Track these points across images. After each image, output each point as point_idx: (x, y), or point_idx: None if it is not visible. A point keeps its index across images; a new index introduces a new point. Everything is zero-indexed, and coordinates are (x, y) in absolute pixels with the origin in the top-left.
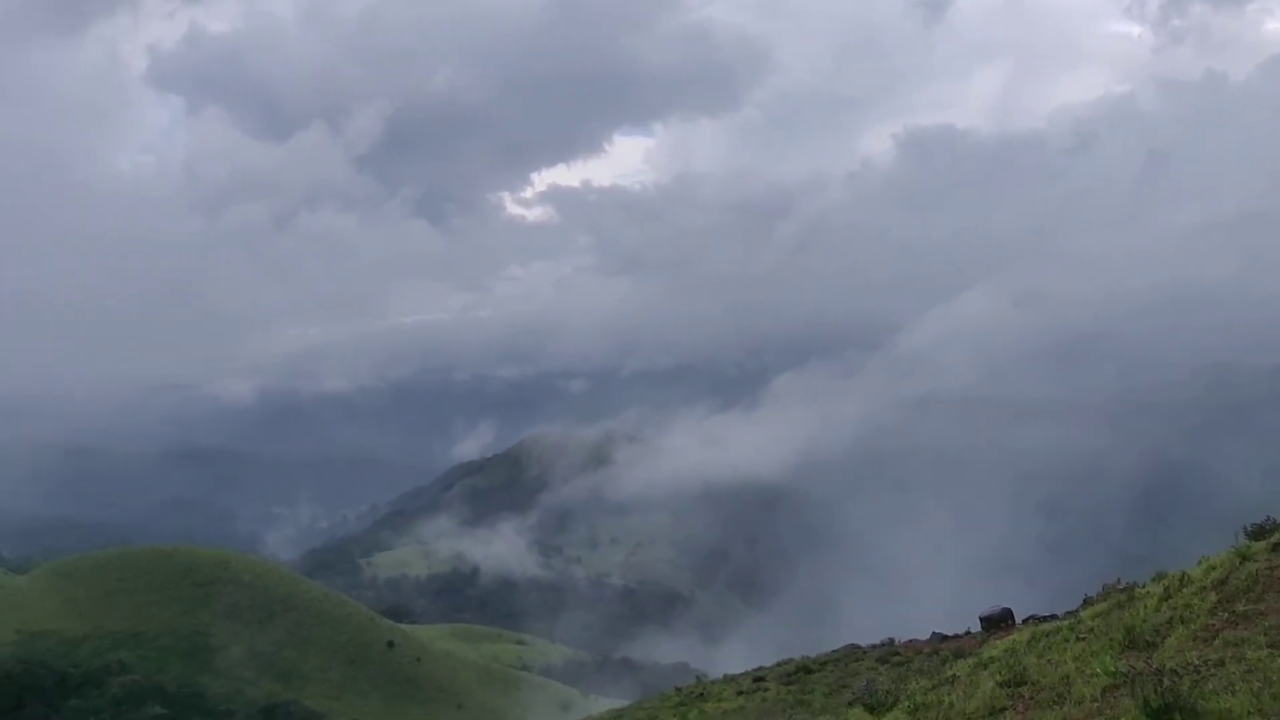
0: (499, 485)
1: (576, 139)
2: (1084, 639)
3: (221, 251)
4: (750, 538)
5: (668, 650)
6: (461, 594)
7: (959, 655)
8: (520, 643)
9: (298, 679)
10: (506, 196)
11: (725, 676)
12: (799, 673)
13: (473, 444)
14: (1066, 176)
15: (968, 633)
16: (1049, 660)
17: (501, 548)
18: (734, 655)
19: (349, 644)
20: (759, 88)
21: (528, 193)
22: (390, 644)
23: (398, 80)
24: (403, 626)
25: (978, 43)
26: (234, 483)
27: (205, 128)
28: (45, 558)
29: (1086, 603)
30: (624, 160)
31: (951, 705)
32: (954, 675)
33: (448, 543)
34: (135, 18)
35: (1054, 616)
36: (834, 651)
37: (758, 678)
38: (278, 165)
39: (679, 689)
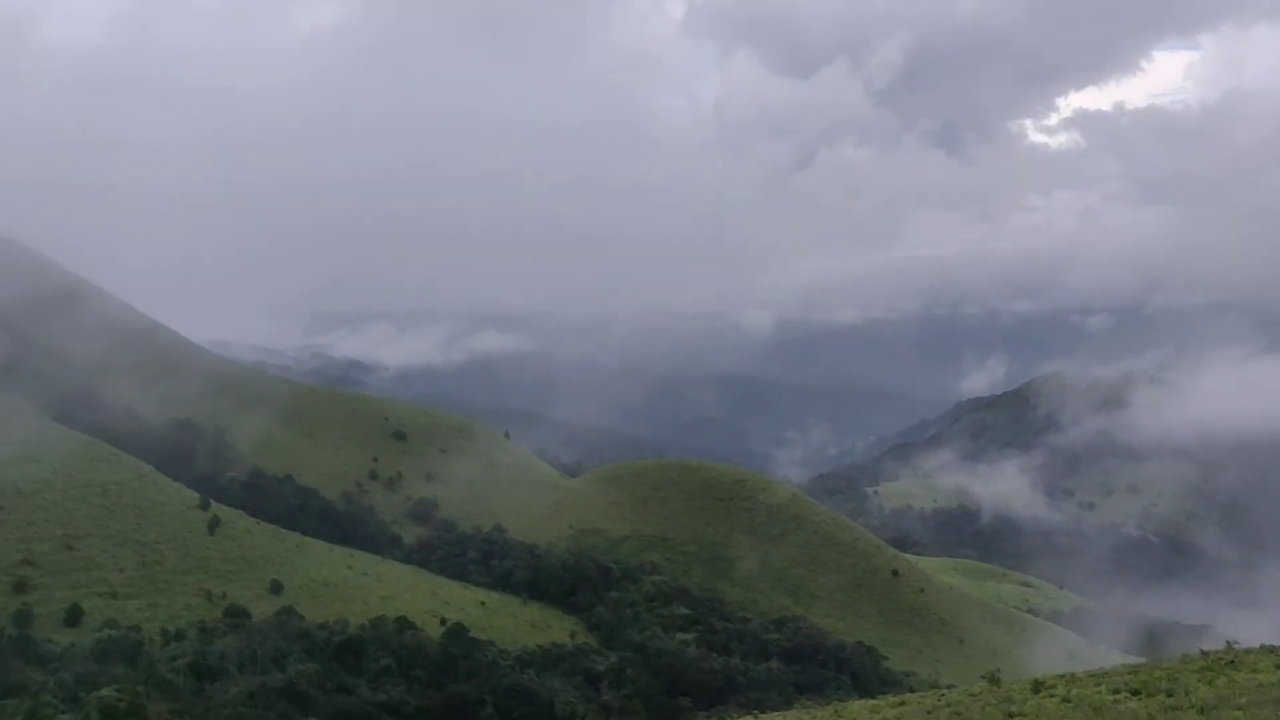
0: (1005, 422)
1: (1109, 58)
2: None
3: (747, 188)
4: None
5: (1188, 609)
6: (963, 529)
7: None
8: (1026, 585)
9: (806, 596)
10: (1029, 124)
11: (1263, 646)
12: None
13: (981, 379)
14: None
15: None
16: None
17: (1004, 486)
18: (1267, 623)
19: (855, 568)
20: None
21: (1052, 119)
22: (895, 572)
23: (921, 10)
24: (906, 556)
25: None
26: (750, 406)
27: (735, 69)
28: (592, 464)
29: None
30: (1163, 78)
31: None
32: None
33: (949, 477)
34: None
35: None
36: None
37: None
38: (801, 102)
39: (1205, 653)
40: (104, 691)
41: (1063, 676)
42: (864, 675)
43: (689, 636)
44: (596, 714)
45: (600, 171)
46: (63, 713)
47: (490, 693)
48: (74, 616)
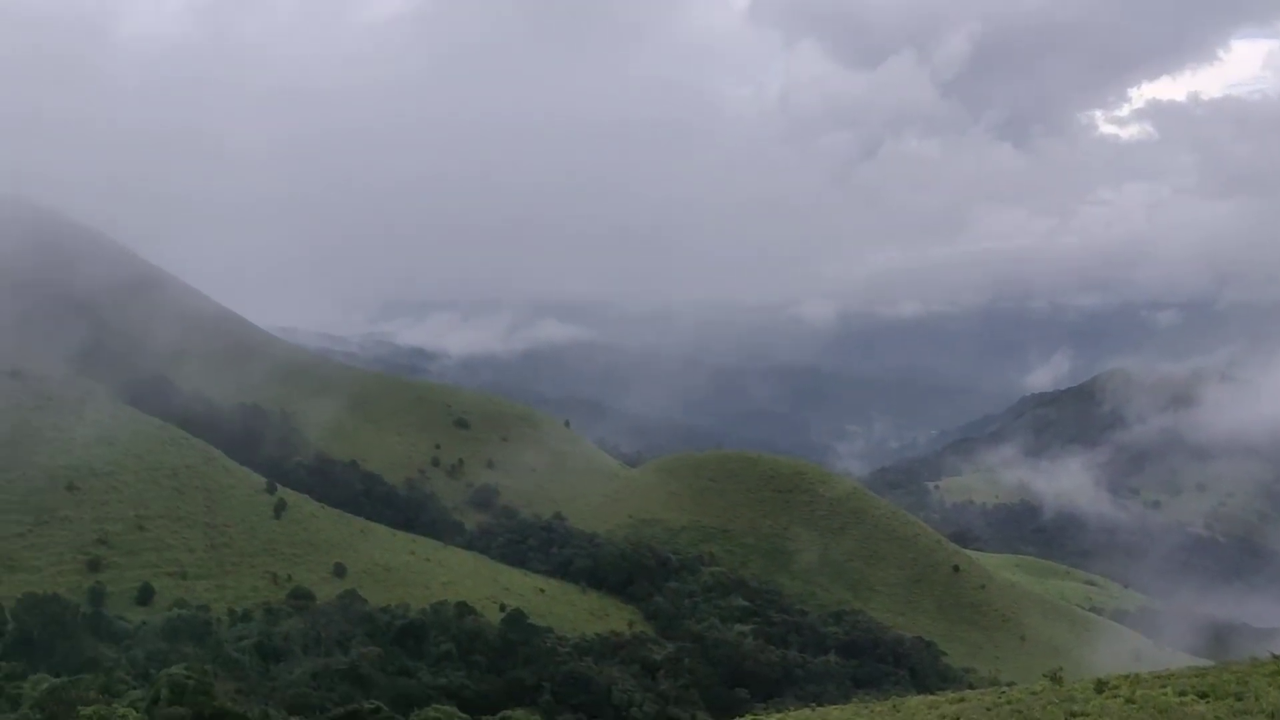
0: (1070, 418)
1: (1185, 47)
2: None
3: (811, 178)
4: None
5: (1257, 612)
6: (1025, 526)
7: None
8: (1090, 583)
9: (865, 590)
10: (1099, 115)
11: None
12: None
13: (1046, 374)
14: None
15: None
16: None
17: (1067, 483)
18: None
19: (915, 563)
20: None
21: (1123, 110)
22: (955, 568)
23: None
24: (967, 552)
25: None
26: (812, 399)
27: (800, 60)
28: (652, 454)
29: None
30: (1241, 68)
31: None
32: None
33: (1012, 472)
34: None
35: None
36: None
37: None
38: (866, 93)
39: (1276, 656)
40: (173, 669)
41: (1127, 677)
42: (923, 670)
43: (747, 628)
44: (653, 703)
45: (664, 163)
46: (134, 688)
47: (548, 679)
48: (145, 595)
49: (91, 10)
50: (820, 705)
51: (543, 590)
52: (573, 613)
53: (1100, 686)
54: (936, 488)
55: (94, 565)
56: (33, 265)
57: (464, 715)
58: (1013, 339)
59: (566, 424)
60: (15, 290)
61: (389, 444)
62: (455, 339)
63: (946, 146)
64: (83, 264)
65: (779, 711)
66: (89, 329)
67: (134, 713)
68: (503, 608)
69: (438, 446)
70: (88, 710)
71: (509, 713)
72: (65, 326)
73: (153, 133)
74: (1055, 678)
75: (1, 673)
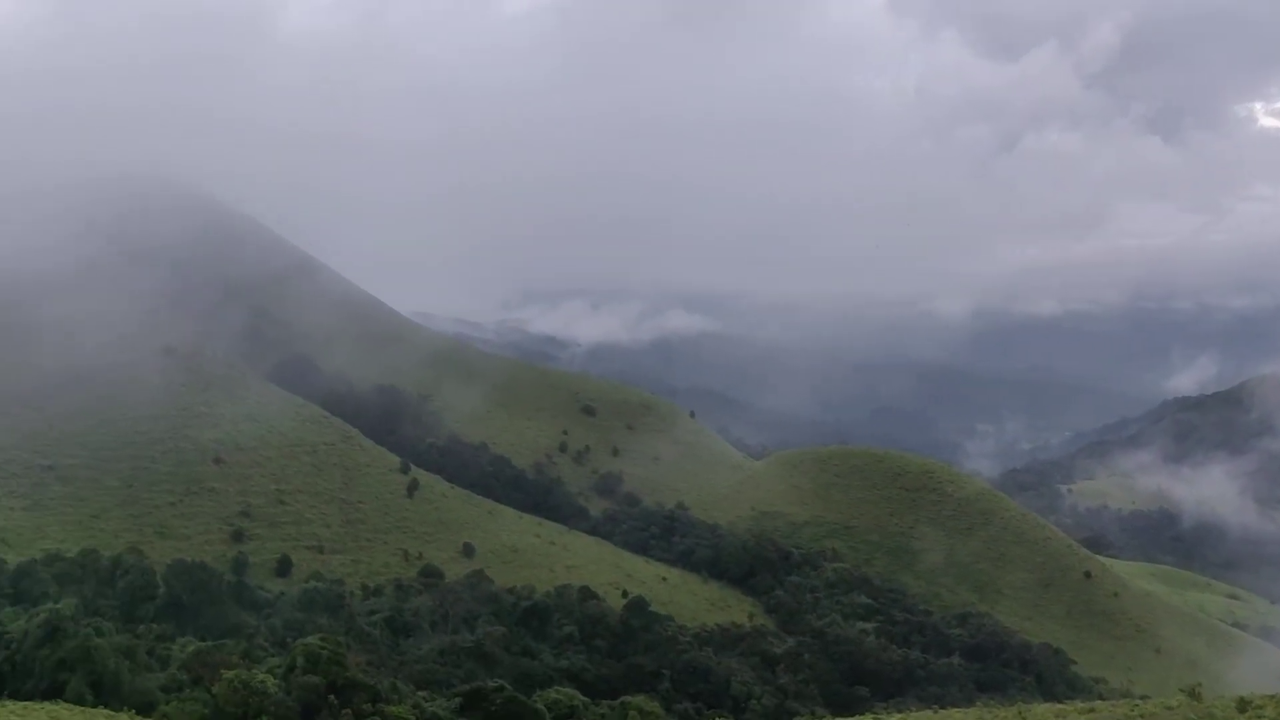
0: (1215, 424)
1: None
2: None
3: (947, 172)
4: None
5: None
6: (1162, 534)
7: None
8: (1233, 597)
9: (992, 593)
10: (1258, 107)
11: None
12: None
13: (1189, 378)
14: None
15: None
16: None
17: (1209, 491)
18: None
19: (1044, 567)
20: None
21: None
22: (1087, 574)
23: None
24: (1100, 558)
25: None
26: (943, 396)
27: (939, 51)
28: (776, 447)
29: None
30: None
31: None
32: None
33: (1149, 478)
34: None
35: None
36: None
37: None
38: (1006, 85)
39: None
40: (309, 639)
41: (1273, 697)
42: (1049, 678)
43: (869, 626)
44: (772, 696)
45: (798, 156)
46: (272, 655)
47: (668, 667)
48: (284, 567)
49: (253, 9)
50: (942, 708)
51: (664, 578)
52: (693, 602)
53: (1243, 705)
54: (1069, 491)
55: (237, 536)
56: (196, 252)
57: (584, 698)
58: (1155, 340)
59: (691, 414)
60: (178, 273)
61: (519, 428)
62: (585, 327)
63: (1090, 140)
64: (241, 251)
65: (900, 712)
66: (245, 311)
67: (271, 679)
68: (625, 594)
69: (565, 433)
70: (230, 674)
71: (629, 698)
72: (223, 308)
73: (305, 128)
74: (1193, 693)
75: (153, 634)
